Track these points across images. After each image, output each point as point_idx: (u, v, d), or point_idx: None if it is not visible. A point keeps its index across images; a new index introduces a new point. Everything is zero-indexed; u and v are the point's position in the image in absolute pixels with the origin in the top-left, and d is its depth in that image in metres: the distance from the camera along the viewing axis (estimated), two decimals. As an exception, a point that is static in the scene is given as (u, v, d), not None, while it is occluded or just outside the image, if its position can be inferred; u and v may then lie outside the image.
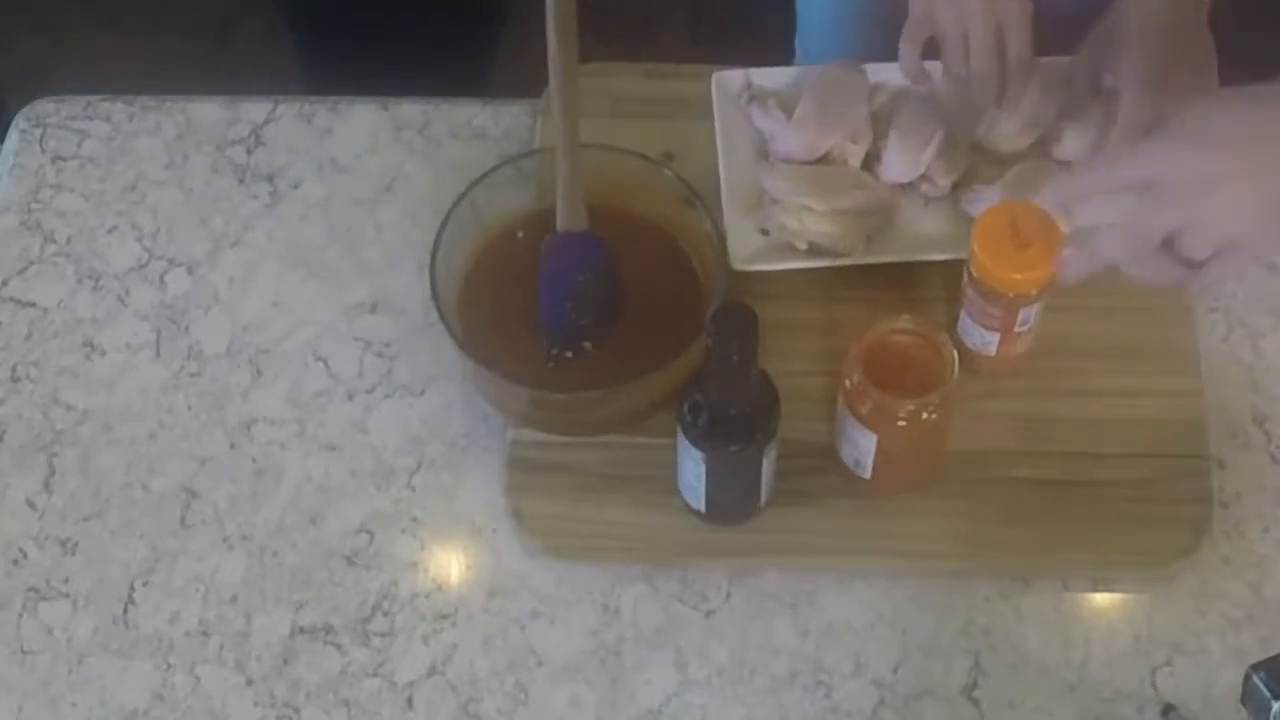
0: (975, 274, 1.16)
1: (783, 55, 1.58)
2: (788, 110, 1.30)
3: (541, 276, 1.20)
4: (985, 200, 1.26)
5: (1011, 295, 1.16)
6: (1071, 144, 1.28)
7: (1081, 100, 1.27)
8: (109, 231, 1.35)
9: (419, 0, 1.75)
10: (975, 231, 1.15)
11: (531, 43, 1.18)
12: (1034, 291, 1.16)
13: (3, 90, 1.93)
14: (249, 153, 1.39)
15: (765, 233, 1.28)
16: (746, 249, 1.25)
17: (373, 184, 1.37)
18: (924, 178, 1.29)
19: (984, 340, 1.19)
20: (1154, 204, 1.03)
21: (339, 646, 1.18)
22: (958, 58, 1.23)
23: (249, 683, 1.16)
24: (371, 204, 1.36)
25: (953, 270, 1.27)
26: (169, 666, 1.17)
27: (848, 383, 1.13)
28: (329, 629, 1.18)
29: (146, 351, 1.30)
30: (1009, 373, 1.23)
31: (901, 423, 1.12)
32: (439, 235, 1.20)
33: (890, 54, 1.28)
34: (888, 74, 1.33)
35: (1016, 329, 1.18)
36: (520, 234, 1.25)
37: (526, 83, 1.36)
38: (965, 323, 1.20)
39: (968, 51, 1.22)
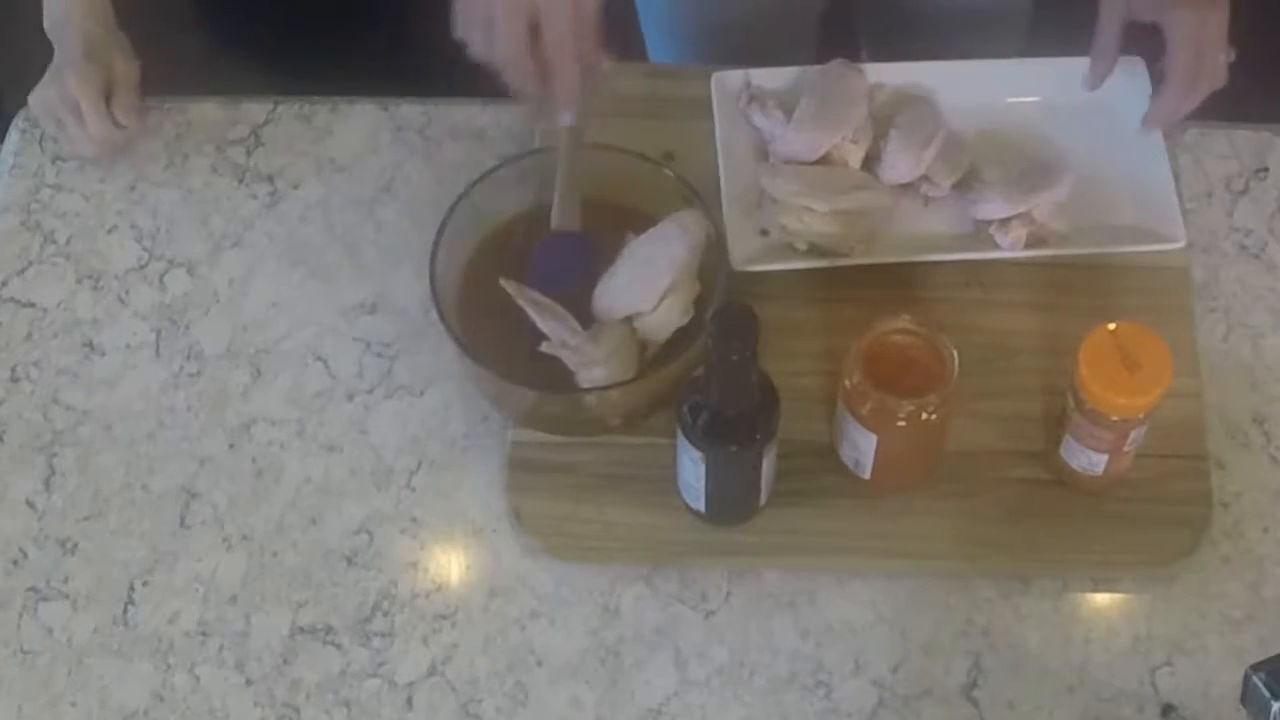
0: (1085, 400, 1.12)
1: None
2: (788, 110, 1.30)
3: (530, 277, 1.19)
4: (986, 200, 1.26)
5: (1123, 419, 1.12)
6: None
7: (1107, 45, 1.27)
8: (109, 231, 1.35)
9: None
10: (1081, 356, 1.11)
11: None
12: (1143, 415, 1.12)
13: (2, 90, 1.92)
14: (249, 153, 1.39)
15: (765, 233, 1.28)
16: (746, 249, 1.25)
17: (372, 184, 1.37)
18: (924, 178, 1.29)
19: (1091, 461, 1.16)
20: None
21: (339, 646, 1.18)
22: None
23: (249, 683, 1.16)
24: (371, 204, 1.36)
25: (953, 270, 1.27)
26: (169, 667, 1.17)
27: (848, 383, 1.13)
28: (329, 629, 1.18)
29: (146, 351, 1.30)
30: (1113, 484, 1.19)
31: (901, 423, 1.12)
32: (439, 235, 1.20)
33: (736, 55, 1.21)
34: (888, 74, 1.33)
35: (1126, 448, 1.15)
36: (520, 234, 1.25)
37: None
38: (1071, 445, 1.16)
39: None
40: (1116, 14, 1.26)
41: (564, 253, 1.21)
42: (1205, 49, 1.22)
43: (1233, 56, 1.23)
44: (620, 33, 1.48)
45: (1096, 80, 1.29)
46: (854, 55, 1.35)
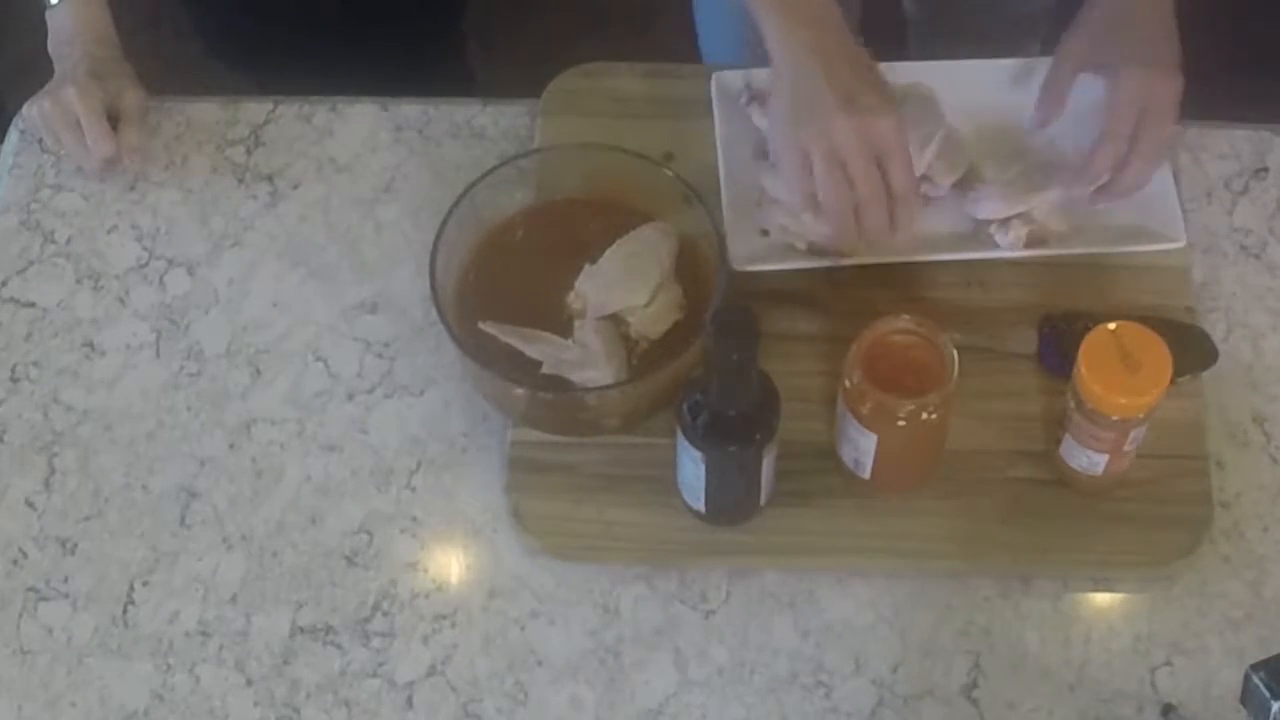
0: (1085, 400, 1.11)
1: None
2: (788, 110, 1.30)
3: None
4: (986, 200, 1.26)
5: (1123, 419, 1.12)
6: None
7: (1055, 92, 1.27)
8: (109, 231, 1.35)
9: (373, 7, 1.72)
10: (1081, 356, 1.11)
11: (521, 43, 1.18)
12: (1143, 415, 1.12)
13: (2, 90, 1.92)
14: (249, 153, 1.39)
15: (765, 233, 1.28)
16: (746, 249, 1.25)
17: (372, 184, 1.37)
18: (924, 178, 1.29)
19: (1091, 461, 1.16)
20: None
21: (339, 646, 1.18)
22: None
23: (249, 683, 1.16)
24: (371, 204, 1.36)
25: (953, 270, 1.27)
26: (169, 667, 1.17)
27: (848, 383, 1.13)
28: (329, 629, 1.18)
29: (146, 351, 1.30)
30: (1112, 484, 1.19)
31: (901, 423, 1.12)
32: (439, 235, 1.20)
33: None
34: (888, 74, 1.33)
35: (1126, 448, 1.15)
36: (520, 233, 1.25)
37: (506, 83, 1.36)
38: (1070, 445, 1.16)
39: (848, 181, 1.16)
40: (1072, 59, 1.26)
41: None
42: (1149, 116, 1.21)
43: (1181, 134, 1.22)
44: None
45: (1042, 121, 1.28)
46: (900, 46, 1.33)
